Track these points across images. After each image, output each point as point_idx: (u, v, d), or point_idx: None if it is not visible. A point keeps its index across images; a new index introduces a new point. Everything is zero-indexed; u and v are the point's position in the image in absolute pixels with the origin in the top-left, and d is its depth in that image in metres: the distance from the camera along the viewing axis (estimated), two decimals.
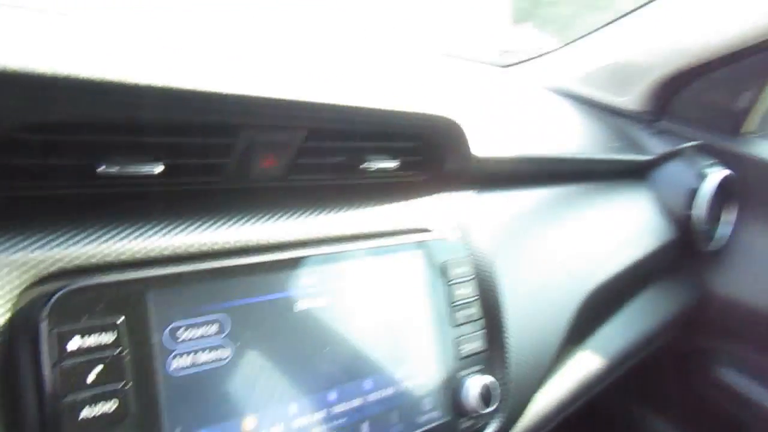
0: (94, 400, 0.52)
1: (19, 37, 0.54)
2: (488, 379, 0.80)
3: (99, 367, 0.52)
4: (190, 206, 0.67)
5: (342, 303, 0.70)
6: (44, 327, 0.51)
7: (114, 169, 0.60)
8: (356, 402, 0.70)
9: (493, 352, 0.86)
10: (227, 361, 0.61)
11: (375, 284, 0.74)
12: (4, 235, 0.54)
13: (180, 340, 0.58)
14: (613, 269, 1.12)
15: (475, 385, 0.79)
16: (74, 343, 0.52)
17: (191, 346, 0.58)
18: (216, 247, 0.64)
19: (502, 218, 0.99)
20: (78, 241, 0.57)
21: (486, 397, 0.79)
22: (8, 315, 0.51)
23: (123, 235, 0.60)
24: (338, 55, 1.12)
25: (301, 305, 0.67)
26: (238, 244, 0.66)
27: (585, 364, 1.10)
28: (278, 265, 0.66)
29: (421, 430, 0.75)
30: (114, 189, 0.63)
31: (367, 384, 0.71)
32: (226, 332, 0.61)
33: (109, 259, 0.57)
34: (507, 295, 0.89)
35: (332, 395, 0.68)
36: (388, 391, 0.73)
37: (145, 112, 0.59)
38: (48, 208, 0.58)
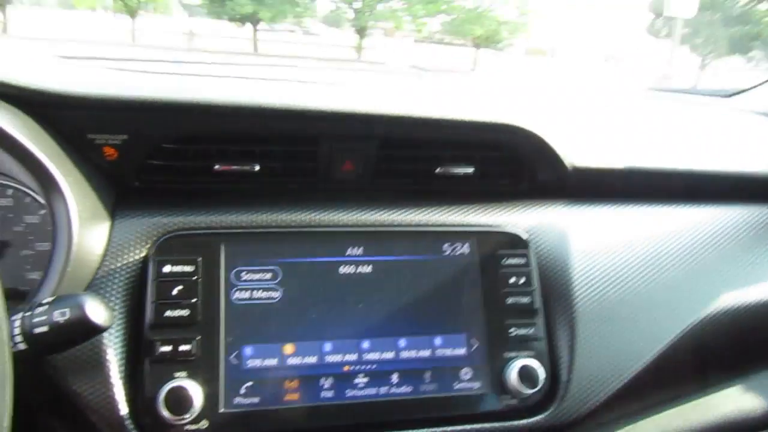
0: (174, 307, 0.78)
1: (159, 78, 0.89)
2: (534, 363, 0.85)
3: (180, 287, 0.79)
4: (282, 200, 0.91)
5: (384, 272, 0.86)
6: (152, 257, 0.79)
7: (225, 167, 0.89)
8: (389, 354, 0.83)
9: (551, 344, 0.90)
10: (276, 300, 0.82)
11: (421, 262, 0.88)
12: (151, 209, 0.86)
13: (242, 279, 0.81)
14: (731, 304, 1.02)
15: (518, 365, 0.85)
16: (167, 268, 0.79)
17: (249, 285, 0.81)
18: (284, 222, 0.88)
19: (595, 229, 1.03)
20: (191, 215, 0.86)
21: (528, 378, 0.84)
22: (145, 253, 0.81)
23: (221, 212, 0.87)
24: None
25: (345, 269, 0.85)
26: (302, 222, 0.88)
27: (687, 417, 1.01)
28: (327, 236, 0.86)
29: (456, 394, 0.84)
30: (223, 185, 0.92)
31: (401, 342, 0.84)
32: (278, 280, 0.82)
33: (204, 224, 0.85)
34: (579, 302, 0.92)
35: (365, 344, 0.83)
36: (423, 353, 0.84)
37: (246, 126, 0.88)
38: (176, 195, 0.89)
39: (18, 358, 0.63)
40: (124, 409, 0.73)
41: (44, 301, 0.64)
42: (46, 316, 0.62)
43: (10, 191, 0.96)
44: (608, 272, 0.98)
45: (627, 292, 0.97)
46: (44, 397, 0.76)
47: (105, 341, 0.75)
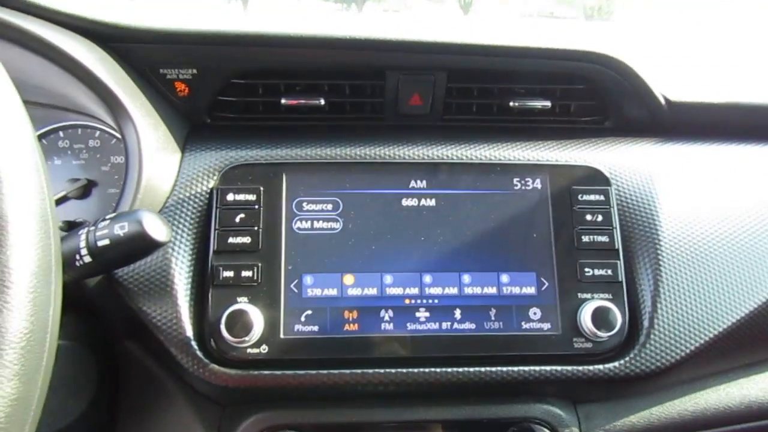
0: (237, 234, 0.79)
1: (227, 15, 0.90)
2: (610, 305, 0.79)
3: (242, 215, 0.80)
4: (347, 135, 0.90)
5: (448, 206, 0.83)
6: (217, 187, 0.81)
7: (292, 102, 0.89)
8: (452, 290, 0.80)
9: (631, 289, 0.83)
10: (337, 231, 0.81)
11: (489, 196, 0.84)
12: (220, 144, 0.88)
13: (303, 209, 0.81)
14: None
15: (593, 307, 0.79)
16: (230, 197, 0.80)
17: (310, 215, 0.81)
18: (347, 155, 0.86)
19: (687, 170, 0.94)
20: (257, 148, 0.87)
21: (603, 321, 0.78)
22: (213, 183, 0.83)
23: (286, 146, 0.87)
24: None
25: (407, 202, 0.83)
26: (366, 155, 0.87)
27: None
28: (389, 168, 0.84)
29: (523, 334, 0.79)
30: (291, 121, 0.92)
31: (465, 278, 0.81)
32: (339, 211, 0.82)
33: (268, 157, 0.85)
34: (665, 247, 0.84)
35: (427, 278, 0.80)
36: (488, 290, 0.81)
37: (313, 58, 0.87)
38: (244, 131, 0.90)
39: (86, 272, 0.66)
40: (189, 330, 0.76)
41: (107, 217, 0.66)
42: (107, 230, 0.65)
43: (97, 133, 1.02)
44: (699, 219, 0.88)
45: (719, 242, 0.87)
46: (119, 318, 0.80)
47: (173, 266, 0.77)
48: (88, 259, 0.65)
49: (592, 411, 0.86)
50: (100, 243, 0.64)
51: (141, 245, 0.65)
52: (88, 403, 0.80)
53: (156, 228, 0.65)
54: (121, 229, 0.64)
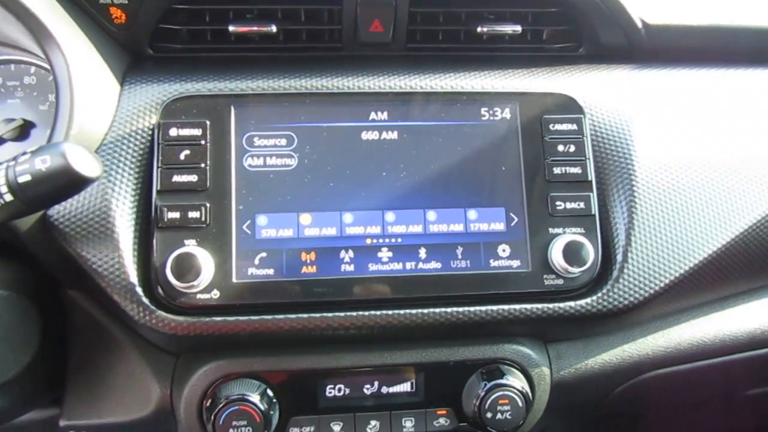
0: (182, 172, 0.72)
1: None
2: (582, 239, 0.74)
3: (187, 151, 0.73)
4: (302, 66, 0.83)
5: (412, 139, 0.77)
6: (158, 120, 0.74)
7: (241, 29, 0.81)
8: (416, 228, 0.75)
9: (604, 222, 0.78)
10: (292, 168, 0.75)
11: (455, 128, 0.78)
12: (163, 76, 0.80)
13: (254, 145, 0.75)
14: None
15: (564, 241, 0.74)
16: (173, 132, 0.73)
17: (263, 151, 0.75)
18: (302, 87, 0.79)
19: (664, 97, 0.88)
20: (203, 80, 0.79)
21: (575, 256, 0.74)
22: (155, 119, 0.76)
23: (235, 77, 0.80)
24: None
25: (367, 135, 0.77)
26: (322, 87, 0.80)
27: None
28: (348, 98, 0.78)
29: (492, 272, 0.75)
30: (241, 51, 0.84)
31: (431, 215, 0.76)
32: (294, 146, 0.75)
33: (215, 89, 0.78)
34: (640, 177, 0.80)
35: (390, 216, 0.75)
36: (455, 228, 0.76)
37: None
38: (190, 62, 0.82)
39: (11, 212, 0.60)
40: (133, 275, 0.70)
41: (28, 151, 0.59)
42: (28, 164, 0.58)
43: (32, 69, 0.93)
44: (676, 150, 0.84)
45: (696, 173, 0.83)
46: (59, 265, 0.74)
47: (113, 207, 0.71)
48: (9, 197, 0.59)
49: (562, 350, 0.83)
50: (21, 179, 0.58)
51: (66, 181, 0.58)
52: (32, 355, 0.75)
53: (82, 161, 0.58)
54: (42, 163, 0.58)
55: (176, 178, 0.72)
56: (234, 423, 0.71)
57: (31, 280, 0.76)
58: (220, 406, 0.72)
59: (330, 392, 0.77)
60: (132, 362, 0.78)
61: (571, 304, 0.75)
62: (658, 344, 0.85)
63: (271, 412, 0.74)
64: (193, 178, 0.72)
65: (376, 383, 0.78)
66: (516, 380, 0.77)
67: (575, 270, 0.74)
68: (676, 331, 0.86)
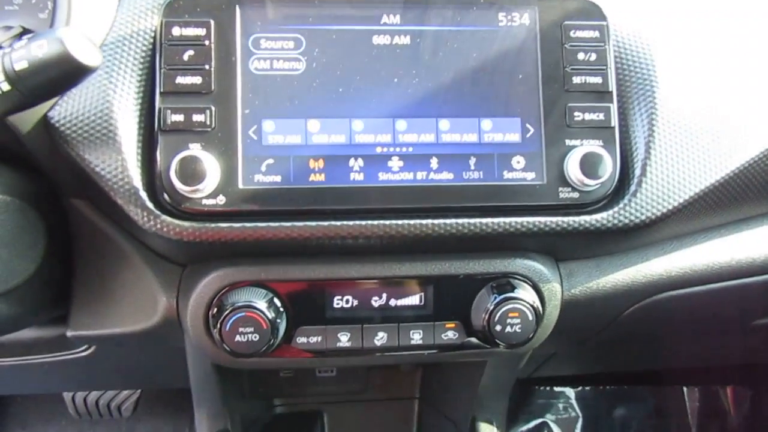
0: (186, 73, 0.70)
1: None
2: (600, 151, 0.72)
3: (191, 51, 0.70)
4: None
5: (425, 44, 0.73)
6: (160, 19, 0.70)
7: None
8: (428, 137, 0.72)
9: (624, 134, 0.75)
10: (300, 72, 0.72)
11: (470, 33, 0.74)
12: None
13: (261, 47, 0.71)
14: None
15: (581, 153, 0.72)
16: (176, 31, 0.70)
17: (269, 54, 0.71)
18: None
19: (692, 10, 0.84)
20: None
21: (591, 167, 0.71)
22: (158, 18, 0.72)
23: None
24: None
25: (379, 39, 0.73)
26: None
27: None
28: (359, 0, 0.74)
29: (505, 183, 0.72)
30: None
31: (443, 124, 0.73)
32: (302, 49, 0.72)
33: None
34: (663, 89, 0.76)
35: (401, 124, 0.72)
36: (468, 137, 0.73)
37: None
38: None
39: (8, 103, 0.58)
40: (137, 179, 0.68)
41: (25, 37, 0.57)
42: (24, 50, 0.55)
43: None
44: (700, 66, 0.80)
45: (720, 87, 0.80)
46: (61, 171, 0.72)
47: (115, 110, 0.69)
48: (6, 86, 0.56)
49: (574, 268, 0.82)
50: (18, 66, 0.55)
51: (65, 69, 0.56)
52: (38, 263, 0.74)
53: (81, 48, 0.56)
54: (39, 48, 0.55)
55: (180, 80, 0.69)
56: (240, 330, 0.71)
57: (34, 187, 0.74)
58: (227, 312, 0.71)
59: (337, 303, 0.76)
60: (138, 273, 0.77)
61: (586, 218, 0.73)
62: (672, 265, 0.84)
63: (278, 321, 0.73)
64: (197, 80, 0.69)
65: (384, 295, 0.77)
66: (527, 294, 0.76)
67: (592, 183, 0.71)
68: (691, 252, 0.84)
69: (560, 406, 1.83)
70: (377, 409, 1.24)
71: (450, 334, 0.78)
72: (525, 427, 1.80)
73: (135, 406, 1.61)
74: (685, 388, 1.84)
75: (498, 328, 0.74)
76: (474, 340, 0.78)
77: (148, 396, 1.64)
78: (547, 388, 1.82)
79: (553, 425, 1.81)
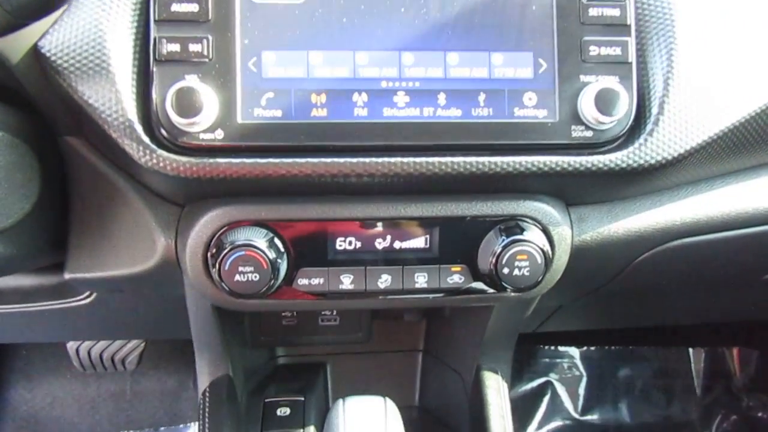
0: (181, 0, 0.66)
1: None
2: (616, 87, 0.68)
3: None
4: None
5: None
6: None
7: None
8: (435, 71, 0.69)
9: (641, 71, 0.72)
10: (302, 1, 0.68)
11: None
12: None
13: None
14: None
15: (595, 90, 0.68)
16: None
17: None
18: None
19: None
20: None
21: (606, 104, 0.68)
22: None
23: None
24: None
25: None
26: None
27: None
28: None
29: (516, 121, 0.69)
30: None
31: (452, 58, 0.70)
32: None
33: None
34: (684, 24, 0.72)
35: (408, 57, 0.69)
36: (477, 72, 0.70)
37: None
38: None
39: None
40: (132, 111, 0.65)
41: None
42: None
43: None
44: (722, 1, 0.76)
45: (741, 28, 0.76)
46: (54, 106, 0.70)
47: (108, 39, 0.66)
48: None
49: (585, 213, 0.79)
50: None
51: None
52: (32, 203, 0.72)
53: None
54: None
55: (175, 7, 0.66)
56: (240, 269, 0.69)
57: (27, 124, 0.72)
58: (226, 251, 0.69)
59: (340, 245, 0.74)
60: (136, 213, 0.75)
61: (600, 158, 0.70)
62: (687, 211, 0.81)
63: (279, 261, 0.71)
64: (194, 7, 0.66)
65: (388, 237, 0.74)
66: (536, 237, 0.73)
67: (606, 120, 0.68)
68: (707, 198, 0.82)
69: (565, 365, 1.83)
70: (381, 361, 1.23)
71: (456, 277, 0.76)
72: (529, 386, 1.80)
73: (139, 359, 1.61)
74: (690, 349, 1.83)
75: (506, 271, 0.72)
76: (480, 284, 0.76)
77: (152, 350, 1.65)
78: (552, 348, 1.82)
79: (557, 384, 1.81)
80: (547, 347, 1.82)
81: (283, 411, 0.98)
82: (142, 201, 0.74)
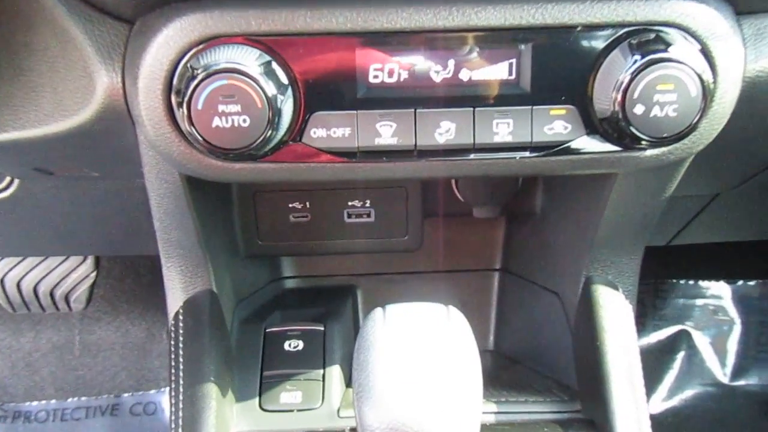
0: None
1: None
2: None
3: None
4: None
5: None
6: None
7: None
8: None
9: None
10: None
11: None
12: None
13: None
14: None
15: None
16: None
17: None
18: None
19: None
20: None
21: None
22: None
23: None
24: None
25: None
26: None
27: None
28: None
29: None
30: None
31: None
32: None
33: None
34: None
35: None
36: None
37: None
38: None
39: None
40: None
41: None
42: None
43: None
44: None
45: None
46: None
47: None
48: None
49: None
50: None
51: None
52: None
53: None
54: None
55: None
56: (221, 108, 0.66)
57: None
58: (198, 79, 0.65)
59: (376, 75, 0.70)
60: (62, 38, 0.72)
61: None
62: None
63: (281, 98, 0.66)
64: None
65: (450, 63, 0.70)
66: (688, 55, 0.68)
67: None
68: None
69: (709, 307, 1.82)
70: (436, 283, 1.20)
71: (557, 126, 0.72)
72: (656, 338, 1.81)
73: (89, 295, 1.63)
74: None
75: (639, 110, 0.68)
76: (596, 137, 0.72)
77: (106, 283, 1.67)
78: (690, 282, 1.80)
79: (696, 335, 1.81)
80: (681, 281, 1.80)
81: (294, 345, 0.97)
82: (71, 18, 0.71)
